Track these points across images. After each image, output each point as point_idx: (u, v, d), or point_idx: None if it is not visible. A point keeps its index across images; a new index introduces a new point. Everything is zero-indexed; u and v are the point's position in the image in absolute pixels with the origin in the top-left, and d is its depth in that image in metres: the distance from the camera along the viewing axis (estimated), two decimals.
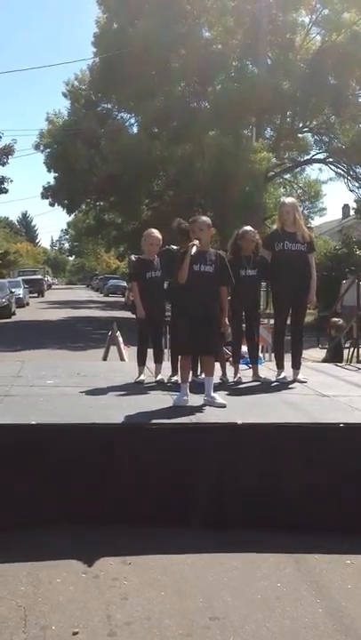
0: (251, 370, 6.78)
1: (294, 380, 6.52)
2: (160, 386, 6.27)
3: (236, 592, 3.77)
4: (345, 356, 11.53)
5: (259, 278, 6.62)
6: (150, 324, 6.47)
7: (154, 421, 4.80)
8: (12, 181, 30.98)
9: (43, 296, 47.82)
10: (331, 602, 3.69)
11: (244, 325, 6.69)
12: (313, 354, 13.57)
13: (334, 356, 11.36)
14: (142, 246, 6.49)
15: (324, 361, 11.41)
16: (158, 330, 6.70)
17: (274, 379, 6.60)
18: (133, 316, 6.78)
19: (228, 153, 20.90)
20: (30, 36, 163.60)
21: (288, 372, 6.63)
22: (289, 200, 6.89)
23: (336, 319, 12.50)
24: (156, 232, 6.45)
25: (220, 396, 5.50)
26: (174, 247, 6.11)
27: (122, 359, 10.45)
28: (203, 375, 5.80)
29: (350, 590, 3.85)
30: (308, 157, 28.68)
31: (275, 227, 6.78)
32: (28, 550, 4.14)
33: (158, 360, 6.60)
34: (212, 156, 21.07)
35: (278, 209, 6.71)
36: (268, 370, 7.04)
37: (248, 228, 6.65)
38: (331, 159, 27.60)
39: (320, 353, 13.69)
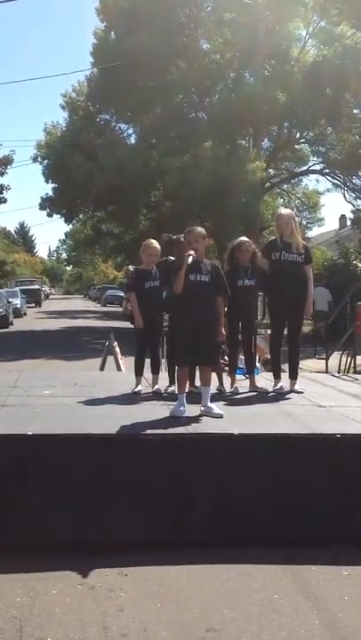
0: (248, 380, 6.78)
1: (291, 391, 6.52)
2: (157, 396, 6.27)
3: (233, 604, 3.76)
4: (342, 366, 11.50)
5: (256, 288, 6.65)
6: (148, 334, 6.47)
7: (150, 432, 4.79)
8: (9, 188, 30.99)
9: (40, 306, 47.79)
10: (328, 614, 3.68)
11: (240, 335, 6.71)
12: (310, 364, 13.57)
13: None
14: (141, 256, 6.52)
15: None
16: (155, 340, 6.70)
17: (271, 389, 6.60)
18: (131, 326, 6.79)
19: (223, 164, 20.98)
20: (29, 47, 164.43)
21: (285, 382, 6.64)
22: (286, 211, 6.96)
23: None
24: (155, 242, 6.48)
25: (217, 407, 5.50)
26: (172, 258, 6.13)
27: (119, 369, 10.44)
28: (200, 385, 5.80)
29: (347, 602, 3.84)
30: (306, 168, 28.81)
31: (273, 237, 6.81)
32: (23, 561, 4.12)
33: (155, 370, 6.60)
34: (208, 167, 21.15)
35: (275, 220, 6.73)
36: (264, 380, 7.04)
37: (243, 238, 6.69)
38: (327, 170, 27.72)
39: (317, 363, 13.69)
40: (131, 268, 6.73)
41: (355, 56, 21.76)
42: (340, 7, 22.44)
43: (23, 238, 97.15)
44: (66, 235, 75.85)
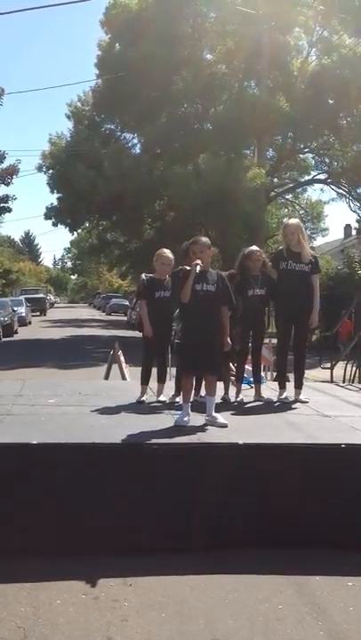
0: (252, 389, 6.78)
1: (296, 400, 6.51)
2: (162, 405, 6.26)
3: (238, 614, 3.74)
4: (347, 376, 11.49)
5: (267, 297, 6.65)
6: (156, 343, 6.47)
7: (155, 441, 4.79)
8: (15, 199, 31.05)
9: (45, 315, 47.90)
10: (332, 624, 3.67)
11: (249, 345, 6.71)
12: (315, 374, 13.55)
13: None
14: (154, 265, 6.51)
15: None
16: (162, 349, 6.70)
17: (275, 398, 6.60)
18: (135, 335, 6.79)
19: (224, 173, 21.04)
20: (34, 58, 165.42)
21: (290, 391, 6.63)
22: (293, 221, 6.98)
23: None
24: (168, 252, 6.44)
25: (221, 416, 5.50)
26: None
27: (123, 378, 10.44)
28: (205, 394, 5.79)
29: (352, 612, 3.82)
30: (310, 178, 28.89)
31: (281, 247, 6.84)
32: (28, 571, 4.12)
33: (161, 380, 6.59)
34: (209, 177, 21.21)
35: (282, 230, 6.77)
36: (269, 390, 7.04)
37: (254, 247, 6.71)
38: (331, 180, 27.76)
39: (322, 373, 13.68)
40: (144, 275, 6.70)
41: (356, 65, 21.84)
42: (343, 17, 22.53)
43: (28, 247, 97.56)
44: (71, 244, 76.08)
